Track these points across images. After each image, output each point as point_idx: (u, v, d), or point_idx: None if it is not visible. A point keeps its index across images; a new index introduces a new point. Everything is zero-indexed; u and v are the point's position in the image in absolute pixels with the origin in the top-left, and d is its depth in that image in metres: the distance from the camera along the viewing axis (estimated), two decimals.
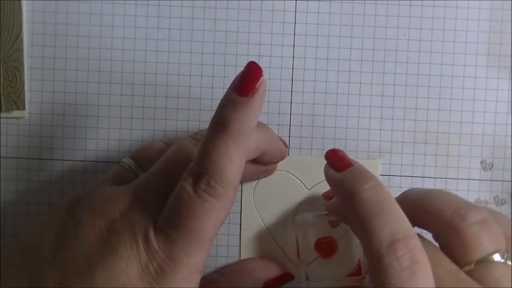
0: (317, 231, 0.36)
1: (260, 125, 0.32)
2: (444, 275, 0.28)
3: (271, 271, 0.37)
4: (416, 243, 0.27)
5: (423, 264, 0.27)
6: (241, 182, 0.37)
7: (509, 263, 0.29)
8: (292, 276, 0.37)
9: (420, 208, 0.31)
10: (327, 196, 0.36)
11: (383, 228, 0.27)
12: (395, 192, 0.37)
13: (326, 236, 0.36)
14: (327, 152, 0.32)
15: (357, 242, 0.35)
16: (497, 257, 0.29)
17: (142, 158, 0.33)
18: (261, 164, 0.36)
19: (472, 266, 0.29)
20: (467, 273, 0.28)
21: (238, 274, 0.36)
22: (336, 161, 0.31)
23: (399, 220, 0.27)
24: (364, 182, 0.29)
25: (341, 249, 0.36)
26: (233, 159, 0.28)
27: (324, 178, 0.37)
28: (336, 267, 0.36)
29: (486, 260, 0.29)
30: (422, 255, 0.27)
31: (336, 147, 0.38)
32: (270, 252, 0.37)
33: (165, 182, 0.29)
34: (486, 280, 0.28)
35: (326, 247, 0.36)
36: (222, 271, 0.37)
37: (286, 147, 0.38)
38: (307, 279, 0.35)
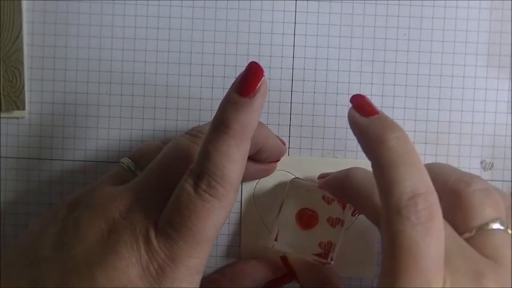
0: (306, 200, 0.36)
1: None
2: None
3: (271, 271, 0.37)
4: (435, 200, 0.26)
5: (438, 222, 0.26)
6: (242, 182, 0.37)
7: (510, 231, 0.29)
8: (293, 277, 0.37)
9: None
10: (321, 175, 0.36)
11: (406, 180, 0.26)
12: None
13: (311, 209, 0.36)
14: (353, 96, 0.30)
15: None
16: (497, 225, 0.29)
17: (141, 158, 0.33)
18: (260, 162, 0.36)
19: (473, 232, 0.29)
20: (467, 240, 0.28)
21: (239, 274, 0.36)
22: (364, 106, 0.30)
23: (422, 174, 0.27)
24: (391, 131, 0.28)
25: (319, 227, 0.35)
26: (234, 159, 0.28)
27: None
28: (307, 241, 0.35)
29: (487, 227, 0.28)
30: (439, 213, 0.26)
31: (336, 147, 0.38)
32: (270, 252, 0.37)
33: (164, 180, 0.29)
34: (485, 248, 0.28)
35: (307, 219, 0.36)
36: (222, 271, 0.37)
37: (284, 144, 0.37)
38: (276, 239, 0.35)
